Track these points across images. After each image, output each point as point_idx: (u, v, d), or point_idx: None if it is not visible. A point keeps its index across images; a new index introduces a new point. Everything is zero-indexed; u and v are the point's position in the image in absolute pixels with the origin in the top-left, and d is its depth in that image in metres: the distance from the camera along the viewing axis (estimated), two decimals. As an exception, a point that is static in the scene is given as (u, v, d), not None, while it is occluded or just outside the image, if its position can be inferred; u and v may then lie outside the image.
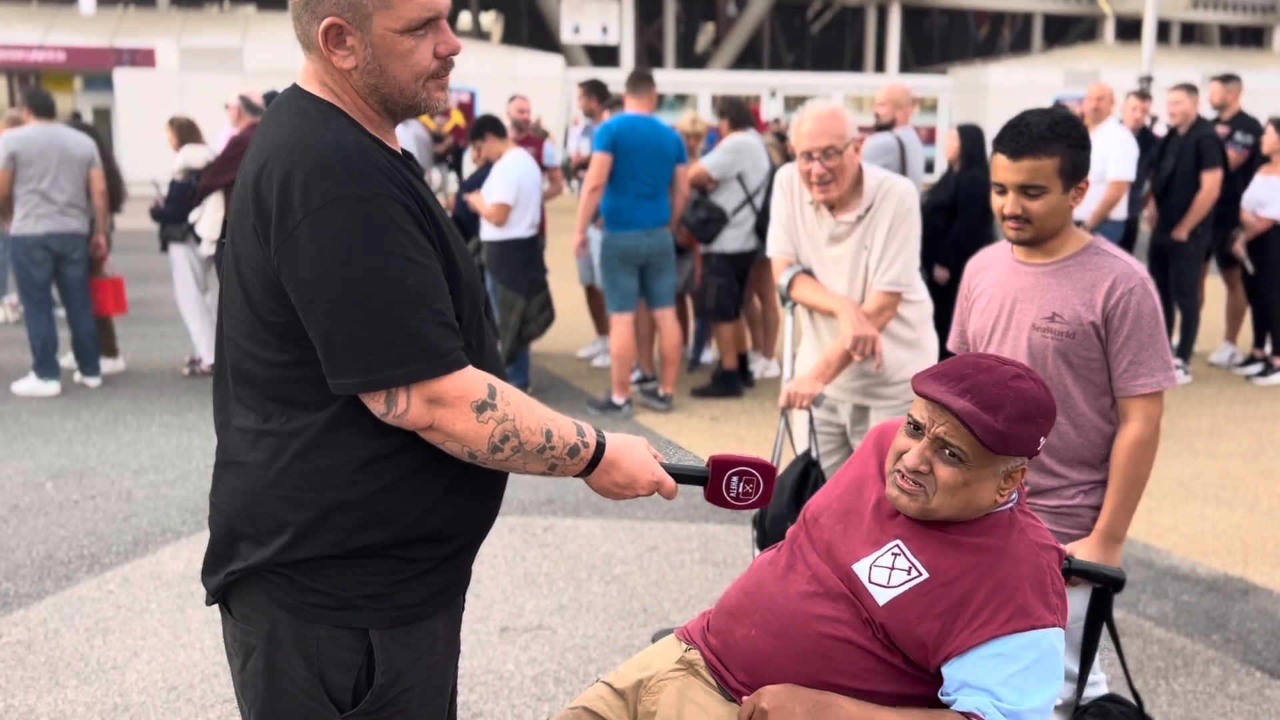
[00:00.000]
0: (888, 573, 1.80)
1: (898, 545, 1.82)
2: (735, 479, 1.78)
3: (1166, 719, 3.24)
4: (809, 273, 3.42)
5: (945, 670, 1.75)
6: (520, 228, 6.59)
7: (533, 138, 8.12)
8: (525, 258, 6.65)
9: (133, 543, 4.51)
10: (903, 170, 6.40)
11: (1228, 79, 7.79)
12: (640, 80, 6.46)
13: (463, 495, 1.63)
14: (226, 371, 1.63)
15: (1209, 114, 11.91)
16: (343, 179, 1.46)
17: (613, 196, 6.29)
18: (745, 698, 1.78)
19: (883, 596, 1.78)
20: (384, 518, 1.56)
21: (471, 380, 1.52)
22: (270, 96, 7.28)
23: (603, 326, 7.97)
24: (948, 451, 1.78)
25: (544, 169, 7.90)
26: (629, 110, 6.42)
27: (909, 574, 1.78)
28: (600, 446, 1.64)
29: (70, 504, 4.96)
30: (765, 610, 1.87)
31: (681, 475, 1.76)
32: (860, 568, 1.82)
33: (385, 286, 1.46)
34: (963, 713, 1.72)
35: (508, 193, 6.50)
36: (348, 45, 1.54)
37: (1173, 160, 7.23)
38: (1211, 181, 7.13)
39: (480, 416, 1.52)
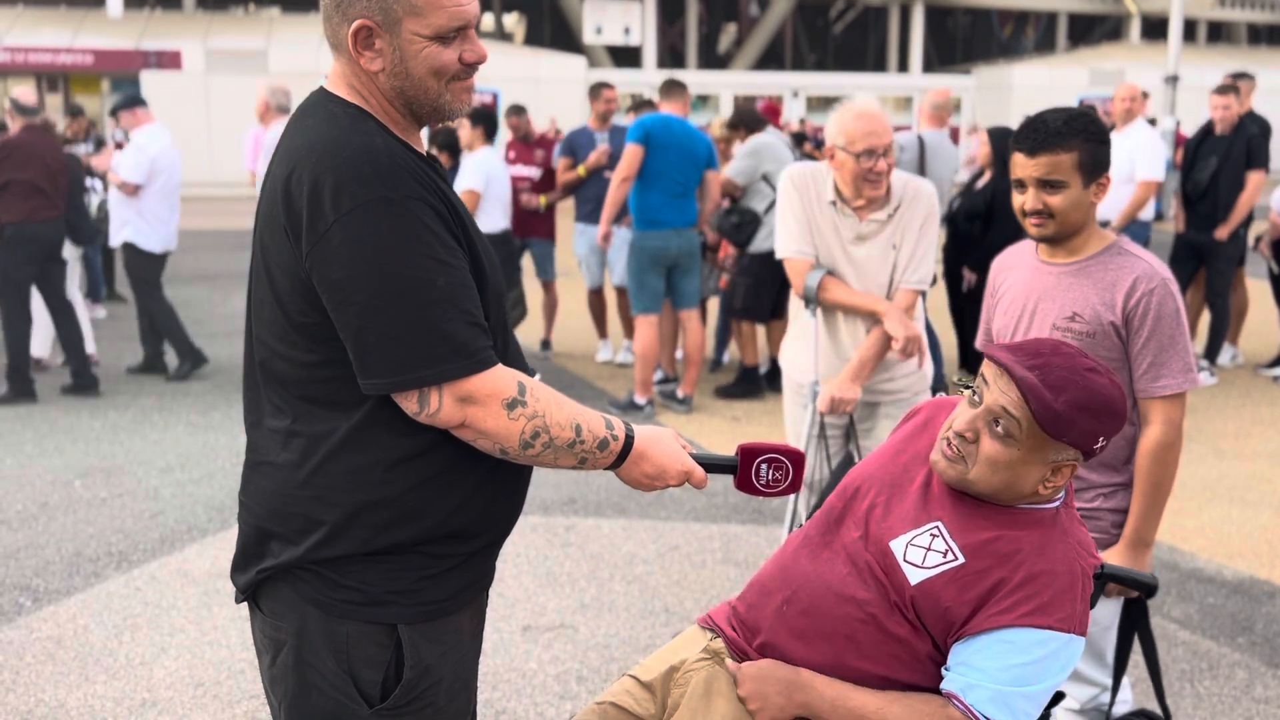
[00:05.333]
0: (923, 553, 1.78)
1: (938, 527, 1.80)
2: (765, 466, 1.78)
3: (1191, 722, 3.23)
4: (831, 274, 3.42)
5: (954, 646, 1.75)
6: (492, 218, 6.69)
7: (547, 139, 8.10)
8: (500, 254, 6.70)
9: (160, 540, 4.56)
10: (920, 170, 6.40)
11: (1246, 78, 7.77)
12: (673, 86, 6.57)
13: (489, 492, 1.65)
14: (256, 372, 1.65)
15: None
16: (372, 182, 1.48)
17: (642, 193, 6.29)
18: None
19: (915, 576, 1.77)
20: (414, 515, 1.58)
21: (502, 378, 1.54)
22: (123, 102, 7.24)
23: (604, 330, 7.98)
24: (1000, 426, 1.75)
25: (552, 171, 7.89)
26: (663, 112, 6.48)
27: (945, 557, 1.76)
28: (629, 439, 1.66)
29: (98, 502, 5.01)
30: (797, 586, 1.87)
31: (711, 464, 1.77)
32: (897, 545, 1.81)
33: (416, 288, 1.48)
34: (945, 693, 1.72)
35: (478, 181, 6.69)
36: (376, 48, 1.56)
37: (1216, 161, 7.17)
38: (1257, 181, 7.09)
39: (511, 414, 1.53)
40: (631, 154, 6.20)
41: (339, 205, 1.47)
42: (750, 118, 6.96)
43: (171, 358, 7.89)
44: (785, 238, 3.43)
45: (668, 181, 6.26)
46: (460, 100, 1.62)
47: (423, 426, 1.56)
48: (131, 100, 7.30)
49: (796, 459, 1.79)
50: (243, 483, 1.69)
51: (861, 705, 1.75)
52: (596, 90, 7.65)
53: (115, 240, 7.25)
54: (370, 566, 1.58)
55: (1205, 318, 8.26)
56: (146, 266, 7.21)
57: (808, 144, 11.51)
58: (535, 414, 1.55)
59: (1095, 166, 2.40)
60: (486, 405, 1.52)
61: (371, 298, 1.47)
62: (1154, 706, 3.10)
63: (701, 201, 6.54)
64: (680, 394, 6.66)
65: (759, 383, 6.92)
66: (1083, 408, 1.72)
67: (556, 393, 1.61)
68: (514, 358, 1.68)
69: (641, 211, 6.31)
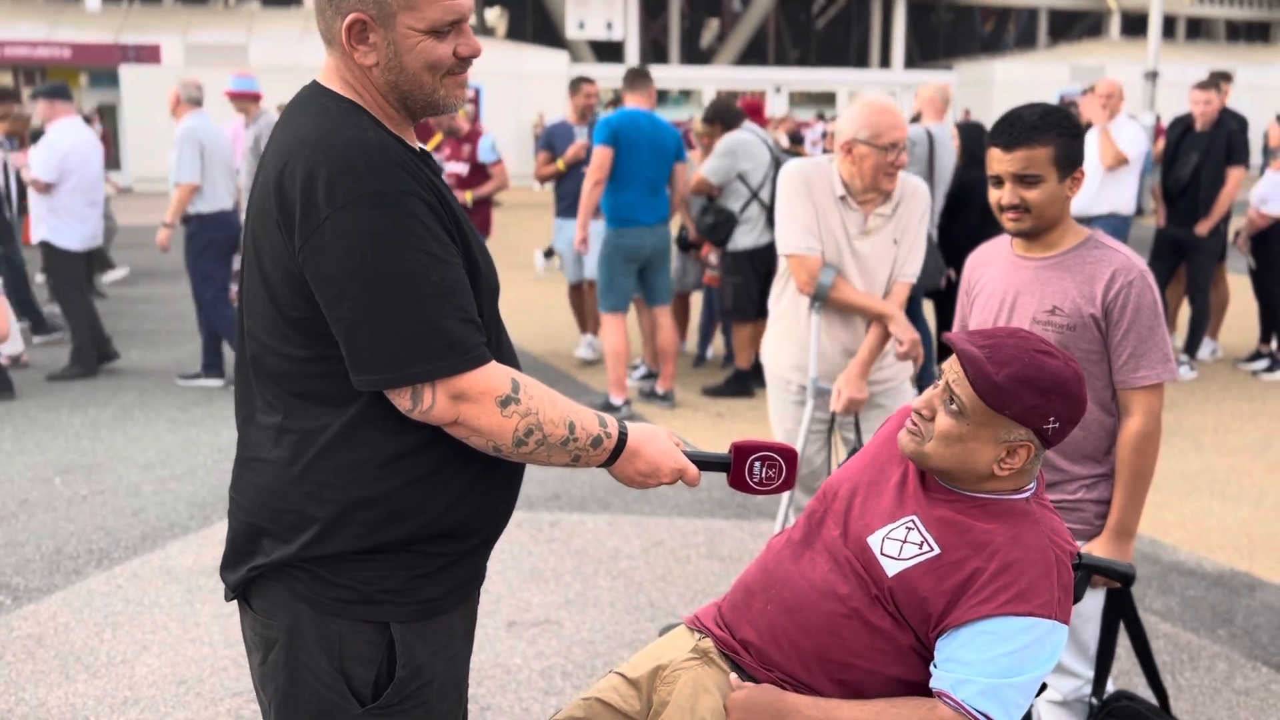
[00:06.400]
0: (899, 545, 1.81)
1: (913, 520, 1.83)
2: (758, 464, 1.79)
3: (1172, 714, 3.25)
4: (840, 272, 3.43)
5: (938, 642, 1.76)
6: None
7: (475, 134, 8.05)
8: None
9: (141, 538, 4.53)
10: (930, 164, 6.40)
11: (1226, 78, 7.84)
12: (637, 77, 6.42)
13: (482, 491, 1.65)
14: (248, 367, 1.64)
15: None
16: (366, 176, 1.47)
17: (615, 192, 6.22)
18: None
19: (892, 568, 1.79)
20: (406, 514, 1.57)
21: (495, 375, 1.53)
22: (43, 90, 7.09)
23: (585, 324, 7.92)
24: (953, 403, 1.80)
25: (480, 166, 7.83)
26: (628, 106, 6.38)
27: (921, 548, 1.79)
28: (623, 436, 1.65)
29: (79, 499, 4.98)
30: (781, 586, 1.89)
31: (704, 462, 1.77)
32: (874, 539, 1.84)
33: (409, 283, 1.47)
34: (935, 692, 1.73)
35: None
36: (370, 42, 1.55)
37: (1197, 156, 7.22)
38: (1237, 177, 7.14)
39: (504, 411, 1.53)
40: (602, 156, 6.12)
41: (333, 199, 1.46)
42: (727, 113, 6.89)
43: (125, 347, 7.82)
44: (793, 233, 3.39)
45: (640, 179, 6.19)
46: (454, 95, 1.61)
47: (415, 423, 1.55)
48: (52, 91, 7.09)
49: (790, 457, 1.79)
50: (233, 479, 1.67)
51: None
52: (576, 85, 7.59)
53: (34, 238, 7.11)
54: (363, 565, 1.58)
55: (1185, 312, 8.31)
56: (66, 264, 7.07)
57: (803, 145, 11.48)
58: (529, 411, 1.54)
59: (1070, 161, 2.44)
60: (480, 403, 1.51)
61: (364, 292, 1.46)
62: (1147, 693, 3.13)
63: (671, 194, 6.50)
64: (659, 390, 6.63)
65: (749, 385, 6.91)
66: (1025, 381, 1.75)
67: (550, 390, 1.61)
68: (506, 355, 1.67)
69: (615, 210, 6.24)
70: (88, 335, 7.19)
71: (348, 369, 1.52)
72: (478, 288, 1.59)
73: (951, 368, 1.83)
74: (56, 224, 6.98)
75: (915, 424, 1.85)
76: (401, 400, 1.51)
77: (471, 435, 1.54)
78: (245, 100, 7.44)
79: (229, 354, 7.70)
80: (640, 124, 6.22)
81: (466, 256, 1.58)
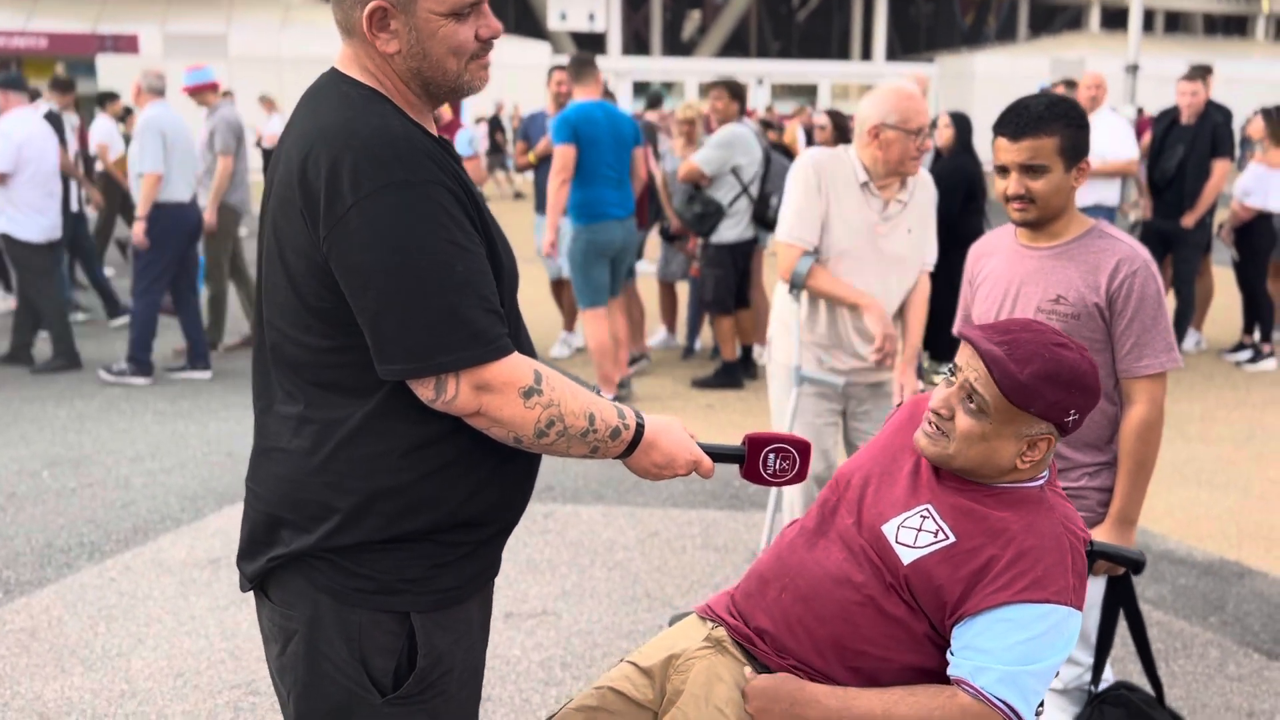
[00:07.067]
0: (914, 534, 1.81)
1: (927, 509, 1.83)
2: (772, 456, 1.80)
3: (1166, 701, 3.28)
4: (819, 262, 3.43)
5: (955, 630, 1.77)
6: None
7: (454, 124, 8.00)
8: None
9: (132, 530, 4.50)
10: None
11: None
12: (583, 66, 6.29)
13: (501, 481, 1.64)
14: (266, 356, 1.63)
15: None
16: (392, 165, 1.46)
17: (582, 188, 6.15)
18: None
19: (908, 556, 1.80)
20: (427, 504, 1.57)
21: (518, 366, 1.53)
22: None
23: (570, 322, 7.88)
24: (972, 401, 1.80)
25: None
26: (578, 99, 6.26)
27: (936, 536, 1.79)
28: (640, 428, 1.65)
29: (68, 492, 4.94)
30: (794, 574, 1.89)
31: (718, 454, 1.78)
32: (888, 528, 1.84)
33: (435, 273, 1.46)
34: (954, 679, 1.74)
35: None
36: (391, 29, 1.54)
37: (1183, 149, 7.27)
38: (1222, 169, 7.20)
39: (527, 402, 1.52)
40: (565, 155, 6.05)
41: (358, 188, 1.45)
42: (741, 99, 6.88)
43: (110, 340, 7.73)
44: (792, 223, 3.40)
45: (605, 173, 6.15)
46: (478, 78, 1.60)
47: (437, 414, 1.54)
48: (7, 81, 7.01)
49: (803, 449, 1.80)
50: (250, 469, 1.66)
51: (868, 710, 1.76)
52: (549, 74, 7.57)
53: None
54: (383, 555, 1.57)
55: (1170, 303, 8.39)
56: (29, 257, 6.99)
57: (772, 132, 11.50)
58: (551, 403, 1.54)
59: (1075, 151, 2.45)
60: (503, 393, 1.51)
61: (389, 282, 1.45)
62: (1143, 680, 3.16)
63: (633, 181, 6.46)
64: (618, 378, 6.59)
65: (738, 377, 6.92)
66: (1048, 378, 1.76)
67: (570, 381, 1.60)
68: (525, 346, 1.67)
69: (585, 206, 6.18)
70: (66, 327, 7.13)
71: (372, 358, 1.51)
72: (499, 278, 1.58)
73: (971, 366, 1.82)
74: (15, 216, 6.90)
75: (935, 425, 1.84)
76: (424, 390, 1.50)
77: (493, 426, 1.53)
78: (204, 92, 7.37)
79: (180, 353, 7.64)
80: (596, 118, 6.12)
81: (489, 247, 1.57)
